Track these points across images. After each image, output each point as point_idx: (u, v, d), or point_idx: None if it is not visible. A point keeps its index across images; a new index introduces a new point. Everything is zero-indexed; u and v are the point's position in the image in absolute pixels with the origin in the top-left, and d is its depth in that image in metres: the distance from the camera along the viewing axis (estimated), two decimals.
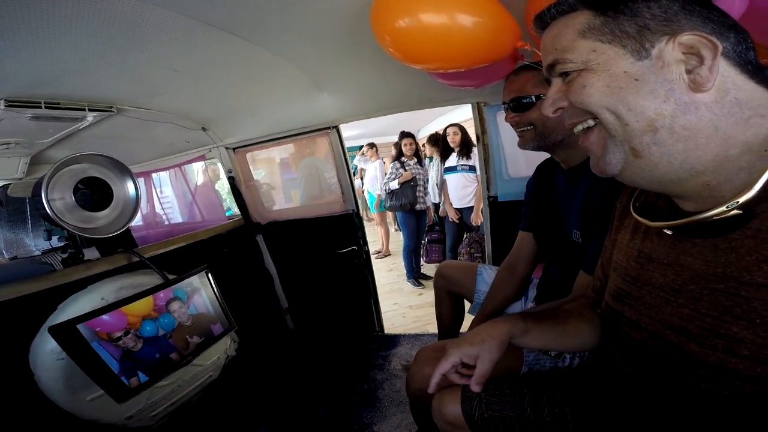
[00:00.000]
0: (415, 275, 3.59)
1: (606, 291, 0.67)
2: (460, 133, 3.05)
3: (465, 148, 3.05)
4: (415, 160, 3.58)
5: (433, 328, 2.43)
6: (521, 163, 1.85)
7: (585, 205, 0.97)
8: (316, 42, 1.22)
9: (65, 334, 0.97)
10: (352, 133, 6.25)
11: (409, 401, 1.09)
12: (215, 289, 1.40)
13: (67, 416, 1.06)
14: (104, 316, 1.06)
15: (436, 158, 3.47)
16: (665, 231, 0.54)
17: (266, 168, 2.45)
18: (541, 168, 1.25)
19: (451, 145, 3.09)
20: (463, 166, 3.07)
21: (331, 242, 2.19)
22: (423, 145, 3.95)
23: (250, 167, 2.22)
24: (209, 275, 1.40)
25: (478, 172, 2.40)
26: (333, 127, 1.97)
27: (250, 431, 1.62)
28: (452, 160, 3.14)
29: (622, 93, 0.47)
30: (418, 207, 3.52)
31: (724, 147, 0.44)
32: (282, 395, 1.86)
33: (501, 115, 1.74)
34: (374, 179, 4.87)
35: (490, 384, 0.88)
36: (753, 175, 0.44)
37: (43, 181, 1.07)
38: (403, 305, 3.13)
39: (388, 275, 3.99)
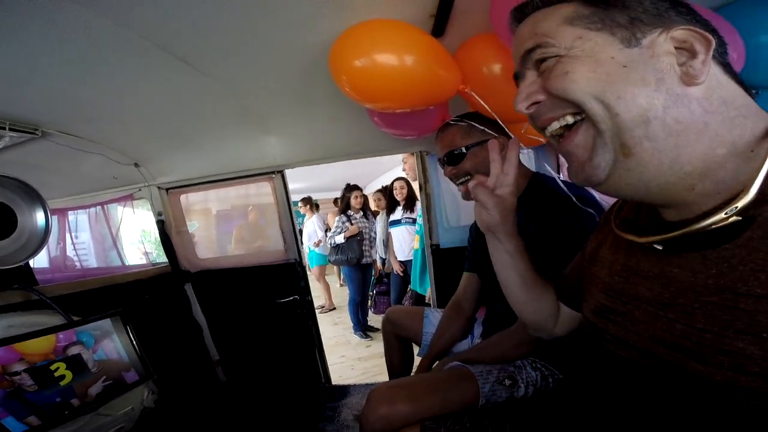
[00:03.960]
0: (362, 328, 3.47)
1: (586, 308, 0.64)
2: (406, 188, 3.17)
3: (409, 202, 3.16)
4: (361, 213, 3.62)
5: (383, 378, 2.30)
6: (460, 213, 1.97)
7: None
8: (268, 82, 1.24)
9: None
10: (293, 186, 6.21)
11: None
12: (131, 335, 1.22)
13: None
14: None
15: (382, 213, 3.53)
16: (655, 246, 0.49)
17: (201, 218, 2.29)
18: None
19: (397, 198, 3.18)
20: (407, 219, 3.15)
21: (271, 292, 2.05)
22: (377, 199, 3.91)
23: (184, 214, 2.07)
24: (125, 320, 1.22)
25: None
26: (278, 171, 1.94)
27: None
28: (397, 213, 3.22)
29: (610, 79, 0.43)
30: (363, 261, 3.49)
31: (712, 145, 0.42)
32: None
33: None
34: (313, 234, 4.79)
35: (450, 418, 0.85)
36: (739, 177, 0.42)
37: None
38: (351, 357, 3.01)
39: (334, 329, 3.83)
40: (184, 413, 1.71)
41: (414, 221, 3.12)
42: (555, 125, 0.49)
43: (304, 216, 4.98)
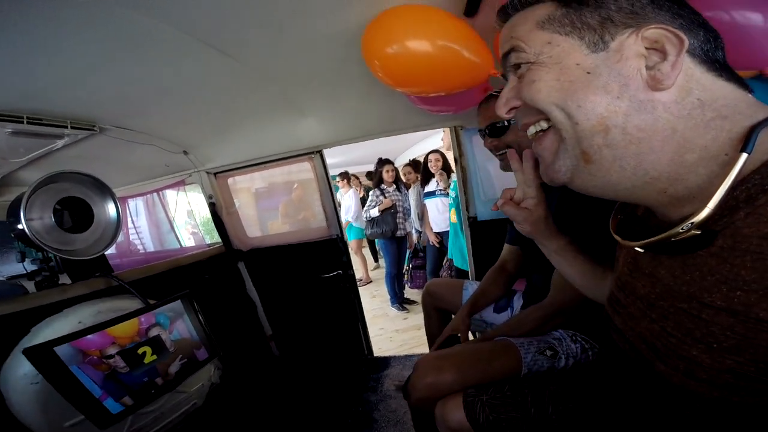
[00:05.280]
0: (398, 300, 3.57)
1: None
2: (441, 160, 3.14)
3: (445, 174, 3.14)
4: (394, 186, 3.64)
5: (420, 350, 2.41)
6: (495, 185, 1.96)
7: (559, 207, 1.00)
8: (302, 65, 1.26)
9: (41, 356, 0.91)
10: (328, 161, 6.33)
11: (411, 414, 1.06)
12: (199, 314, 1.35)
13: None
14: (92, 336, 1.00)
15: (415, 185, 3.54)
16: (637, 249, 0.50)
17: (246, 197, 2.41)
18: None
19: (433, 171, 3.17)
20: (441, 191, 3.14)
21: (315, 267, 2.17)
22: (407, 172, 3.91)
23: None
24: (192, 300, 1.35)
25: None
26: (316, 151, 2.00)
27: None
28: (432, 185, 3.22)
29: (572, 87, 0.43)
30: (398, 233, 3.55)
31: (680, 152, 0.41)
32: (272, 422, 1.77)
33: (477, 139, 1.83)
34: (349, 209, 4.88)
35: (491, 387, 0.89)
36: (713, 181, 0.40)
37: (22, 200, 1.03)
38: (389, 329, 3.12)
39: (372, 302, 3.94)
40: (245, 388, 1.89)
41: (448, 193, 3.12)
42: (532, 129, 0.50)
43: (338, 190, 5.06)
